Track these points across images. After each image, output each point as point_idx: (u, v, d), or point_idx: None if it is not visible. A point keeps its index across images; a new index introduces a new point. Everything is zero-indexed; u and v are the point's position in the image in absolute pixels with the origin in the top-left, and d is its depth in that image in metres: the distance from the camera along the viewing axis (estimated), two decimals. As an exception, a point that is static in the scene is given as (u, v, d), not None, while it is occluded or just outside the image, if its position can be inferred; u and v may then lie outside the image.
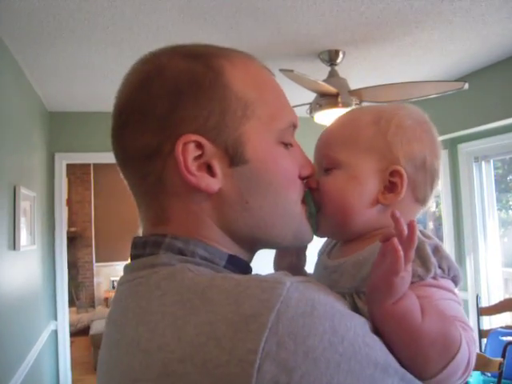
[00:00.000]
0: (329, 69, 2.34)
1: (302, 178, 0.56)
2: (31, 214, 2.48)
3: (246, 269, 0.55)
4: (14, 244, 2.07)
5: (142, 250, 0.51)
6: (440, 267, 0.53)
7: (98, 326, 4.75)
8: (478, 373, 2.32)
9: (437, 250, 0.54)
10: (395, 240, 0.45)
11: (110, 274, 6.60)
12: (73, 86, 2.73)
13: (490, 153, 3.03)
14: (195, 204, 0.50)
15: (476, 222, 3.09)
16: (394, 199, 0.60)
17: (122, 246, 6.17)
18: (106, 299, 6.02)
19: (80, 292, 6.37)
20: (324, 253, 0.69)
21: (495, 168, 3.16)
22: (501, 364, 1.86)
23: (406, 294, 0.47)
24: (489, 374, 2.31)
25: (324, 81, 2.20)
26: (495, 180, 3.12)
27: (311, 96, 2.32)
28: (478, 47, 2.35)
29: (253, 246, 0.55)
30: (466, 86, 2.08)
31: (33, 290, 2.56)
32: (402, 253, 0.45)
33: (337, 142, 0.62)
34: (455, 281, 0.55)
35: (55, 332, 3.16)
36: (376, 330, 0.45)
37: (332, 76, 2.32)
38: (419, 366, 0.45)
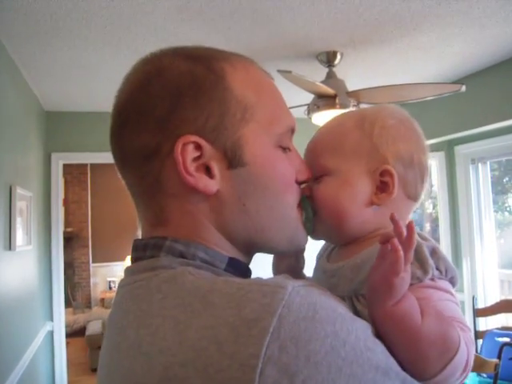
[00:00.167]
0: (327, 70, 2.35)
1: (298, 183, 0.57)
2: (27, 214, 2.47)
3: (245, 272, 0.55)
4: (9, 244, 2.06)
5: (142, 252, 0.52)
6: (437, 269, 0.54)
7: (94, 327, 4.74)
8: (473, 374, 2.32)
9: (434, 252, 0.55)
10: (396, 240, 0.46)
11: (106, 274, 6.58)
12: (70, 85, 2.72)
13: (487, 155, 3.04)
14: (193, 205, 0.50)
15: (472, 224, 3.10)
16: (387, 198, 0.61)
17: (119, 247, 6.18)
18: (103, 300, 5.99)
19: (76, 292, 6.35)
20: (323, 256, 0.70)
21: (492, 170, 3.18)
22: (496, 365, 1.87)
23: (405, 295, 0.47)
24: (485, 375, 2.32)
25: (322, 82, 2.20)
26: (492, 182, 3.13)
27: (309, 97, 2.33)
28: (475, 50, 2.36)
29: (249, 249, 0.55)
30: (463, 88, 2.08)
31: (29, 290, 2.55)
32: (402, 253, 0.45)
33: (324, 149, 0.63)
34: (452, 282, 0.56)
35: (51, 333, 3.15)
36: (377, 333, 0.45)
37: (330, 77, 2.32)
38: (419, 366, 0.45)
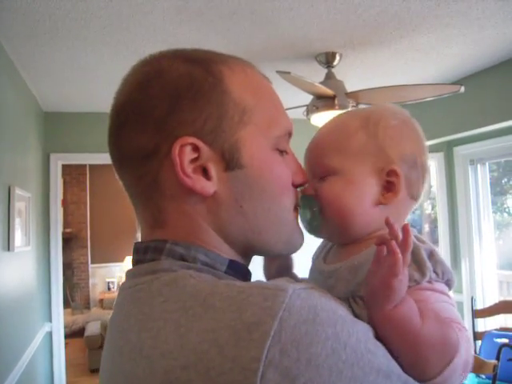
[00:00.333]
0: (326, 71, 2.35)
1: (295, 186, 0.57)
2: (26, 215, 2.47)
3: (246, 274, 0.55)
4: (8, 245, 2.05)
5: (143, 255, 0.52)
6: (435, 271, 0.54)
7: (92, 328, 4.73)
8: (472, 375, 2.32)
9: (431, 255, 0.55)
10: (393, 242, 0.46)
11: (105, 275, 6.57)
12: (69, 86, 2.72)
13: (486, 156, 3.04)
14: (190, 206, 0.51)
15: (471, 225, 3.10)
16: (393, 198, 0.62)
17: (118, 248, 6.18)
18: (102, 301, 5.98)
19: (75, 293, 6.34)
20: (319, 257, 0.70)
21: (490, 171, 3.18)
22: (495, 366, 1.87)
23: (404, 298, 0.47)
24: (483, 376, 2.32)
25: (321, 83, 2.20)
26: (490, 183, 3.13)
27: (308, 98, 2.33)
28: (474, 51, 2.36)
29: (247, 251, 0.55)
30: (462, 89, 2.09)
31: (27, 291, 2.54)
32: (400, 255, 0.45)
33: (328, 149, 0.63)
34: (448, 284, 0.56)
35: (50, 334, 3.14)
36: (377, 335, 0.45)
37: (329, 78, 2.33)
38: (419, 368, 0.45)
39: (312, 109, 2.30)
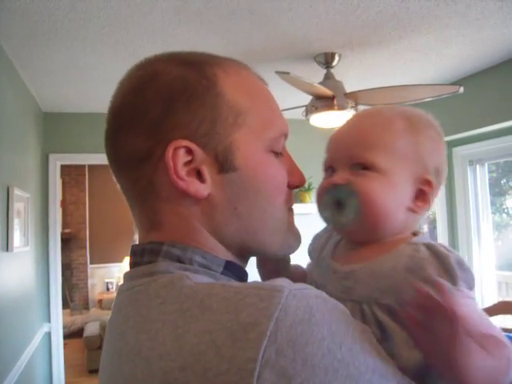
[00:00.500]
0: (325, 71, 2.35)
1: (290, 187, 0.57)
2: (25, 215, 2.46)
3: (242, 275, 0.55)
4: (7, 245, 2.05)
5: (140, 257, 0.52)
6: (463, 280, 0.55)
7: (91, 328, 4.72)
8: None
9: (460, 263, 0.56)
10: (448, 308, 0.45)
11: (104, 275, 6.57)
12: (68, 86, 2.71)
13: (485, 156, 3.04)
14: (185, 208, 0.51)
15: (470, 225, 3.10)
16: (423, 207, 0.64)
17: (117, 248, 6.17)
18: (100, 301, 5.98)
19: (74, 294, 6.34)
20: (324, 253, 0.70)
21: (490, 171, 3.18)
22: (495, 367, 1.87)
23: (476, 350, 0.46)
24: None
25: (320, 83, 2.20)
26: (489, 183, 3.13)
27: (307, 98, 2.33)
28: (473, 51, 2.36)
29: (243, 253, 0.56)
30: (461, 89, 2.09)
31: (26, 291, 2.54)
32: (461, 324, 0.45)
33: (372, 143, 0.62)
34: (471, 289, 0.58)
35: (48, 334, 3.14)
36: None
37: (328, 78, 2.33)
38: None
39: (311, 109, 2.30)
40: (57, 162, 3.25)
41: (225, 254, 0.53)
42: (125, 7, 1.71)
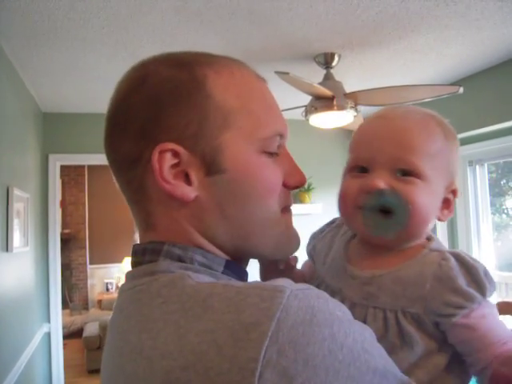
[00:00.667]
0: (324, 72, 2.35)
1: (289, 188, 0.56)
2: (24, 216, 2.46)
3: (242, 274, 0.55)
4: (6, 246, 2.05)
5: (141, 257, 0.52)
6: (490, 290, 0.57)
7: (91, 329, 4.72)
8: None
9: (486, 274, 0.57)
10: None
11: (103, 275, 6.57)
12: (67, 86, 2.71)
13: (484, 157, 3.04)
14: (175, 211, 0.51)
15: (470, 226, 3.10)
16: (448, 216, 0.64)
17: (116, 248, 6.17)
18: (100, 301, 5.98)
19: (73, 294, 6.33)
20: (335, 253, 0.68)
21: (489, 172, 3.18)
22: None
23: None
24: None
25: (319, 84, 2.20)
26: (489, 184, 3.13)
27: (306, 99, 2.33)
28: (473, 51, 2.36)
29: (238, 255, 0.55)
30: (461, 89, 2.09)
31: (25, 292, 2.54)
32: None
33: (418, 149, 0.60)
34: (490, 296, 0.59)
35: (48, 334, 3.14)
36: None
37: (327, 79, 2.33)
38: None
39: (311, 109, 2.30)
40: (56, 162, 3.25)
41: (221, 256, 0.53)
42: (124, 7, 1.71)
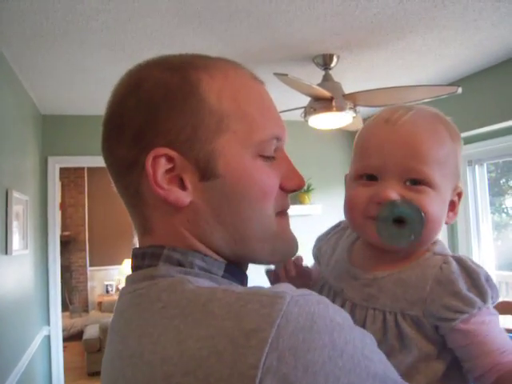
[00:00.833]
0: (323, 73, 2.35)
1: (287, 191, 0.55)
2: (24, 218, 2.46)
3: (242, 278, 0.55)
4: (5, 248, 2.05)
5: (141, 261, 0.52)
6: (491, 296, 0.56)
7: (91, 331, 4.71)
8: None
9: (488, 280, 0.57)
10: None
11: (103, 278, 6.56)
12: (66, 89, 2.71)
13: (484, 156, 3.05)
14: (171, 216, 0.51)
15: (470, 225, 3.10)
16: (453, 218, 0.64)
17: (116, 250, 6.16)
18: (100, 303, 5.97)
19: (73, 296, 6.32)
20: (338, 254, 0.69)
21: (489, 171, 3.18)
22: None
23: None
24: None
25: (318, 85, 2.20)
26: (489, 183, 3.13)
27: (305, 100, 2.33)
28: (471, 52, 2.37)
29: (236, 260, 0.54)
30: (460, 90, 2.09)
31: (25, 295, 2.54)
32: None
33: (428, 158, 0.60)
34: (494, 304, 0.58)
35: (48, 337, 3.13)
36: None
37: (326, 80, 2.33)
38: None
39: (309, 111, 2.30)
40: (56, 164, 3.25)
41: (220, 260, 0.53)
42: (123, 10, 1.71)
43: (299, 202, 3.65)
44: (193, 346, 0.40)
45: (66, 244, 5.98)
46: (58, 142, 3.24)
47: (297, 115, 2.40)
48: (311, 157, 3.64)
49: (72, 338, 5.24)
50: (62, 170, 3.50)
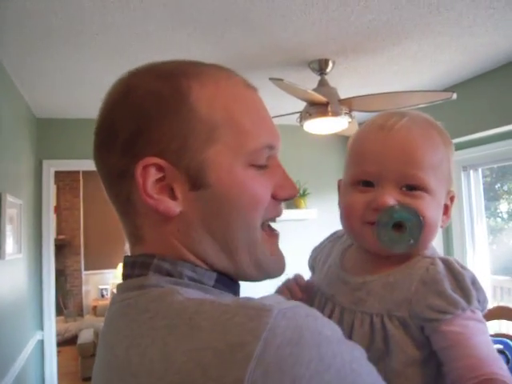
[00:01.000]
0: (319, 78, 2.36)
1: (279, 199, 0.55)
2: (18, 222, 2.44)
3: (235, 288, 0.55)
4: (-1, 253, 2.03)
5: (131, 270, 0.52)
6: (477, 299, 0.56)
7: (86, 335, 4.68)
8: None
9: (474, 282, 0.57)
10: None
11: (98, 282, 6.52)
12: (61, 92, 2.71)
13: (479, 162, 3.06)
14: (162, 226, 0.51)
15: (465, 230, 3.11)
16: (447, 221, 0.65)
17: (111, 254, 6.13)
18: (95, 308, 5.93)
19: (68, 300, 6.28)
20: (332, 262, 0.69)
21: (484, 176, 3.20)
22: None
23: None
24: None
25: (314, 90, 2.21)
26: (484, 188, 3.15)
27: (301, 105, 2.33)
28: (466, 58, 2.38)
29: (226, 272, 0.53)
30: (454, 95, 2.10)
31: (18, 299, 2.51)
32: None
33: (423, 163, 0.61)
34: (483, 311, 0.58)
35: (41, 342, 3.11)
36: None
37: (322, 85, 2.33)
38: None
39: (305, 115, 2.30)
40: (50, 168, 3.23)
41: (211, 269, 0.52)
42: (118, 14, 1.71)
43: (295, 206, 3.65)
44: (179, 360, 0.40)
45: (60, 248, 5.95)
46: (52, 146, 3.23)
47: (292, 120, 2.41)
48: (307, 162, 3.65)
49: (66, 342, 5.20)
50: (58, 174, 3.48)
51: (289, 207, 3.59)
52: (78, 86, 2.57)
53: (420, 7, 1.75)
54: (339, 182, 0.70)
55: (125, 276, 0.53)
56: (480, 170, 3.13)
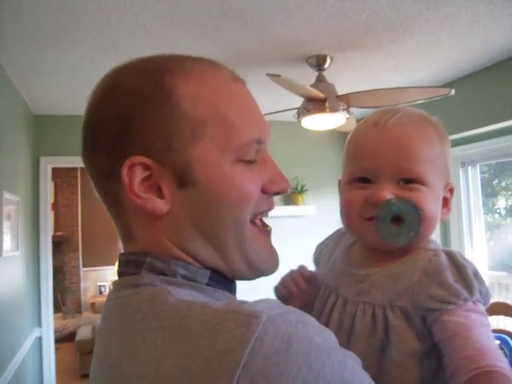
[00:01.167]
0: (316, 74, 2.35)
1: (269, 193, 0.54)
2: (15, 219, 2.44)
3: (230, 286, 0.54)
4: (-4, 250, 2.03)
5: (125, 268, 0.52)
6: (479, 291, 0.56)
7: (84, 332, 4.69)
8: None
9: (476, 274, 0.57)
10: None
11: (97, 278, 6.53)
12: (58, 88, 2.69)
13: (477, 158, 3.06)
14: (151, 224, 0.50)
15: (462, 226, 3.12)
16: (447, 214, 0.66)
17: (110, 251, 6.13)
18: (93, 304, 5.94)
19: (66, 297, 6.28)
20: (337, 257, 0.70)
21: (482, 172, 3.20)
22: (487, 368, 1.87)
23: None
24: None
25: (311, 86, 2.20)
26: (482, 184, 3.15)
27: (299, 101, 2.33)
28: (464, 54, 2.38)
29: (218, 269, 0.52)
30: (453, 91, 2.09)
31: (16, 296, 2.51)
32: None
33: (419, 157, 0.62)
34: (485, 304, 0.58)
35: (39, 339, 3.11)
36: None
37: (320, 81, 2.33)
38: None
39: (303, 111, 2.30)
40: (48, 164, 3.23)
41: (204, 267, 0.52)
42: (115, 8, 1.70)
43: (293, 202, 3.65)
44: (168, 363, 0.39)
45: (58, 244, 5.95)
46: (50, 142, 3.22)
47: (290, 116, 2.40)
48: (305, 158, 3.64)
49: (65, 339, 5.21)
50: (55, 170, 3.48)
51: (287, 203, 3.59)
52: (75, 81, 2.56)
53: (418, 3, 1.75)
54: (339, 181, 0.72)
55: (119, 273, 0.53)
56: (478, 166, 3.13)
